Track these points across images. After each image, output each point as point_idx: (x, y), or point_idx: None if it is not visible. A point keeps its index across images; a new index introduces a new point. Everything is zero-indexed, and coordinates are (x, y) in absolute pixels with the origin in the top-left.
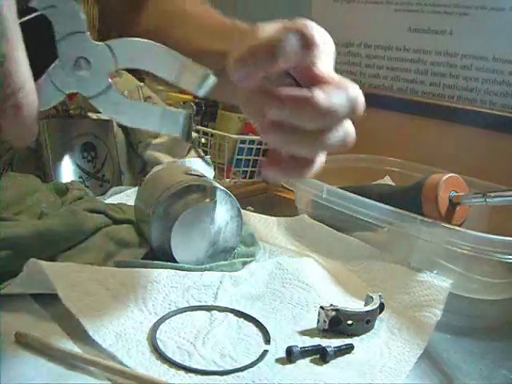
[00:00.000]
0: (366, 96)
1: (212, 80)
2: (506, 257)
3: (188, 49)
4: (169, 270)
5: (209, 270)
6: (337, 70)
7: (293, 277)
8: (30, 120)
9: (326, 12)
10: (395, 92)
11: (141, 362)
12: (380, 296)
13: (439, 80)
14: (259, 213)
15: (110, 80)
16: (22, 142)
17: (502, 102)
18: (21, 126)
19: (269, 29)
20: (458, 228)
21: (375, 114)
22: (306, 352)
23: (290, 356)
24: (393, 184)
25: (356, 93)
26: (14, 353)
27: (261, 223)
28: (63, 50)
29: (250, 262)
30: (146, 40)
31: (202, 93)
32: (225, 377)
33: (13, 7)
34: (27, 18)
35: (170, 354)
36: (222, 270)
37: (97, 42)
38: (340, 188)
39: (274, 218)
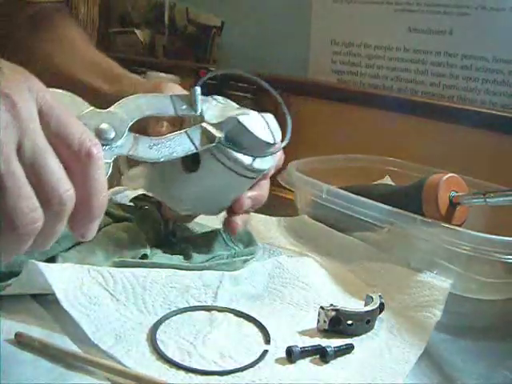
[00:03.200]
0: (366, 96)
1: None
2: (506, 257)
3: (72, 81)
4: (168, 269)
5: (208, 269)
6: (337, 70)
7: (293, 276)
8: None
9: (326, 12)
10: (395, 92)
11: (141, 362)
12: (380, 296)
13: (439, 80)
14: (259, 213)
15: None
16: None
17: (502, 102)
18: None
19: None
20: (458, 228)
21: (375, 114)
22: (305, 352)
23: (290, 356)
24: (393, 184)
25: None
26: (14, 353)
27: (261, 223)
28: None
29: (250, 260)
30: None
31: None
32: (225, 377)
33: None
34: None
35: (169, 354)
36: (221, 269)
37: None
38: (340, 188)
39: (273, 217)
